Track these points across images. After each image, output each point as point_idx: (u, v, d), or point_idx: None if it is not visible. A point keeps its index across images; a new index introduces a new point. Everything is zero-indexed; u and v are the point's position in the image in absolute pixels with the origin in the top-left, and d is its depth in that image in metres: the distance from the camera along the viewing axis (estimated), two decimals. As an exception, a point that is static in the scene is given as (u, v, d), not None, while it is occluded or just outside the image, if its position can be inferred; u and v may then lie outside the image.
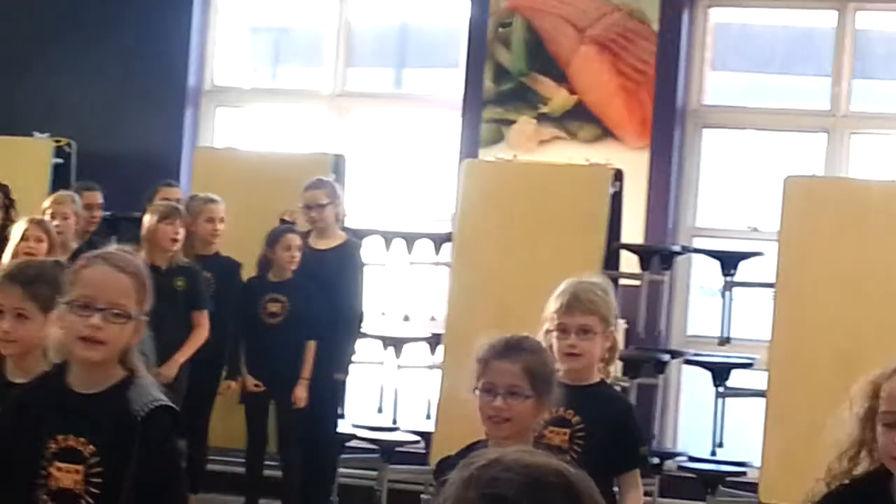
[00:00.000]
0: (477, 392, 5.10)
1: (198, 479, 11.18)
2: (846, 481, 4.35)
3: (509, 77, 13.20)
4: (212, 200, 11.52)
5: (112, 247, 5.55)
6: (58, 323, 4.90)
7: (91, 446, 4.67)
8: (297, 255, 11.30)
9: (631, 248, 12.30)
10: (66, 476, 4.65)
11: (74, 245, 10.94)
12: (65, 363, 4.83)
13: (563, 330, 5.84)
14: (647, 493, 8.03)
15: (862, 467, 4.32)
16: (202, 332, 10.88)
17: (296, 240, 11.37)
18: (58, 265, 6.10)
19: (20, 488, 4.73)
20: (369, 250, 12.25)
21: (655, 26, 12.89)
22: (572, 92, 13.05)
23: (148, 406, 4.72)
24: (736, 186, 13.24)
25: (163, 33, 13.85)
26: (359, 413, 12.47)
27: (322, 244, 11.58)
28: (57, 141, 13.03)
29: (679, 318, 13.01)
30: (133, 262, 4.95)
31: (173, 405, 4.97)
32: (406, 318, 12.73)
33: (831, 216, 11.52)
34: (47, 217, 10.70)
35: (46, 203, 11.13)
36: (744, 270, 12.01)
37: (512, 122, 13.17)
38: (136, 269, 4.92)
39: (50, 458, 4.67)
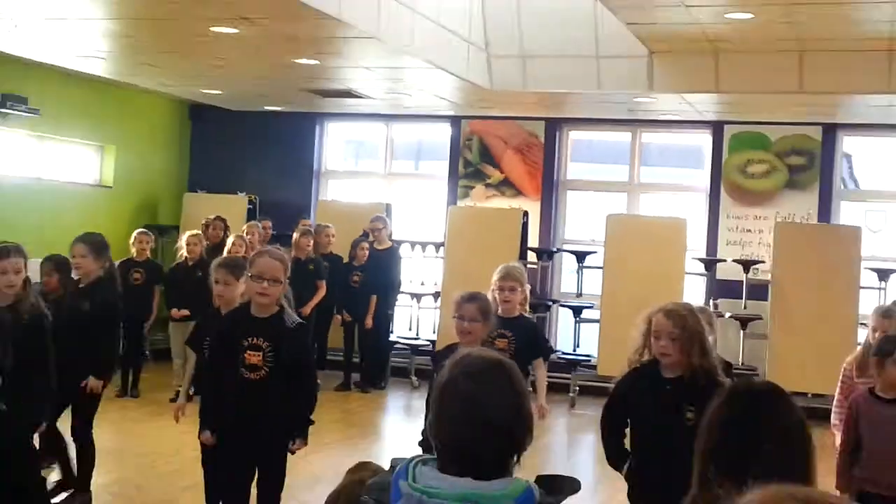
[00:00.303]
0: (454, 319, 5.15)
1: (322, 363, 11.14)
2: (637, 365, 4.42)
3: (471, 165, 13.13)
4: (328, 226, 11.64)
5: (269, 248, 5.88)
6: (245, 284, 5.19)
7: (266, 342, 4.89)
8: (367, 252, 11.51)
9: (532, 249, 12.35)
10: (253, 357, 4.88)
11: (258, 248, 10.84)
12: (247, 303, 5.10)
13: (500, 289, 5.86)
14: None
15: (645, 358, 4.39)
16: (321, 291, 10.87)
17: (366, 245, 11.58)
18: (244, 258, 6.53)
19: (232, 364, 4.88)
20: (404, 250, 12.37)
21: (542, 140, 12.85)
22: (502, 172, 12.98)
23: (293, 323, 5.03)
24: (584, 218, 13.01)
25: (302, 141, 13.83)
26: (400, 330, 12.55)
27: (380, 247, 11.65)
28: (249, 197, 13.06)
29: (556, 284, 12.93)
30: (281, 254, 5.21)
31: (305, 323, 5.46)
32: (422, 284, 12.83)
33: (629, 231, 11.50)
34: (244, 234, 10.63)
35: (244, 227, 11.10)
36: (589, 260, 12.02)
37: (472, 188, 13.11)
38: (283, 258, 5.12)
39: (245, 349, 4.86)
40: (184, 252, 10.27)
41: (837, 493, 4.56)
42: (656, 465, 4.24)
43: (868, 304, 9.31)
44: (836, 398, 5.54)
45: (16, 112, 10.93)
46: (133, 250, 10.43)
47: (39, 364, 5.07)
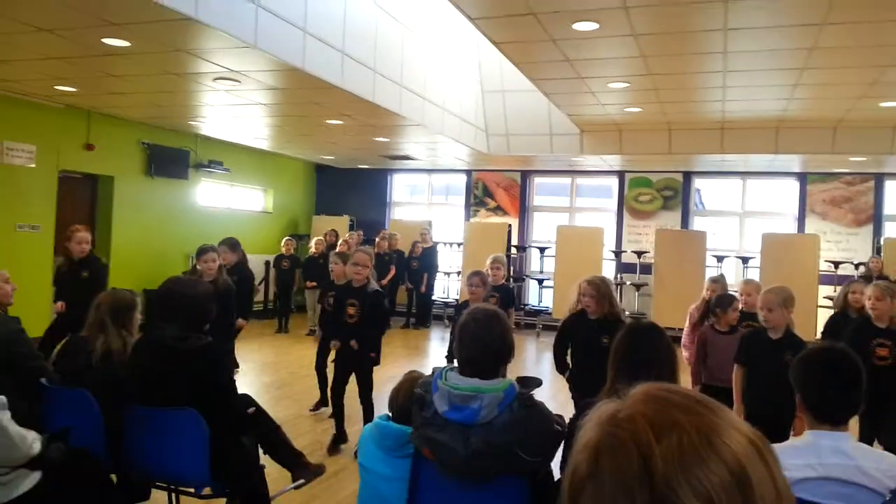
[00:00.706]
0: (466, 286, 4.96)
1: (393, 312, 10.99)
2: (573, 312, 4.32)
3: (478, 198, 12.90)
4: (395, 234, 11.35)
5: (362, 247, 5.72)
6: (347, 268, 4.94)
7: (357, 301, 4.63)
8: (420, 248, 11.21)
9: (514, 246, 12.10)
10: (351, 309, 4.65)
11: (355, 248, 10.71)
12: (349, 281, 4.77)
13: (491, 269, 5.57)
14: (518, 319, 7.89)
15: (578, 308, 4.27)
16: (392, 271, 10.70)
17: (419, 244, 11.26)
18: (347, 253, 6.06)
19: (342, 314, 4.68)
20: (440, 247, 11.95)
21: (519, 182, 12.67)
22: (496, 202, 12.78)
23: (373, 289, 4.78)
24: (544, 228, 12.68)
25: (380, 185, 13.67)
26: (438, 293, 12.12)
27: (426, 246, 11.39)
28: (350, 217, 12.92)
29: (528, 266, 12.57)
30: (368, 251, 4.87)
31: (382, 290, 4.93)
32: (451, 266, 12.46)
33: (570, 235, 11.31)
34: (347, 239, 10.38)
35: (347, 235, 10.83)
36: (547, 252, 11.78)
37: (478, 211, 12.87)
38: (369, 253, 4.85)
39: (348, 305, 4.61)
40: (313, 249, 10.27)
41: (690, 387, 4.52)
42: (585, 370, 4.19)
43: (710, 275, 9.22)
44: (686, 329, 5.47)
45: (216, 170, 10.99)
46: (283, 248, 10.48)
47: (228, 313, 5.08)
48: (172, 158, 10.27)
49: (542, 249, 12.09)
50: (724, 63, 6.24)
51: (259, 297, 11.62)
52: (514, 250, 12.17)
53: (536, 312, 11.60)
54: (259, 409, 3.14)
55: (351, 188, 13.69)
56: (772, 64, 6.22)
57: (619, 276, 11.48)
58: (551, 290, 11.48)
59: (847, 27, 5.20)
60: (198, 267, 5.09)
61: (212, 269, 5.04)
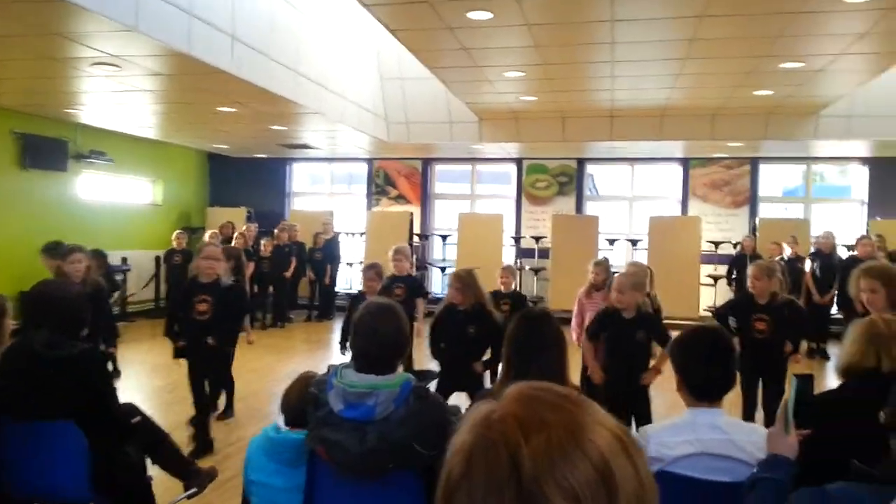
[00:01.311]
0: (364, 280, 4.97)
1: (294, 305, 10.77)
2: (448, 304, 4.51)
3: (379, 186, 12.80)
4: (295, 225, 11.03)
5: (212, 241, 5.37)
6: (199, 262, 4.61)
7: (210, 297, 4.46)
8: (322, 239, 10.96)
9: (416, 234, 12.05)
10: (203, 306, 4.48)
11: (251, 242, 10.32)
12: (196, 275, 4.61)
13: (394, 259, 5.65)
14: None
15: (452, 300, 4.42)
16: (293, 263, 10.45)
17: (321, 235, 11.01)
18: (234, 248, 5.74)
19: (186, 310, 4.49)
20: (342, 237, 11.73)
21: (420, 170, 12.64)
22: (397, 190, 12.72)
23: (228, 284, 4.58)
24: (445, 216, 12.72)
25: (278, 174, 13.31)
26: (341, 284, 11.76)
27: (328, 237, 11.18)
28: (247, 209, 12.46)
29: (430, 254, 12.57)
30: (218, 246, 4.78)
31: (240, 284, 4.88)
32: (353, 257, 12.34)
33: (471, 222, 11.44)
34: (243, 232, 10.10)
35: (243, 227, 10.39)
36: (449, 240, 11.86)
37: (380, 199, 12.77)
38: (219, 248, 4.75)
39: (196, 301, 4.45)
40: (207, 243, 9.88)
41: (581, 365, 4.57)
42: (454, 359, 4.32)
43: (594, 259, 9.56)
44: (575, 310, 5.57)
45: (98, 161, 10.32)
46: (174, 243, 9.96)
47: (103, 313, 4.76)
48: (49, 149, 9.53)
49: (444, 237, 12.14)
50: (612, 53, 6.45)
51: (150, 293, 11.07)
52: (416, 239, 12.17)
53: (439, 300, 11.64)
54: (144, 419, 2.97)
55: (247, 178, 13.21)
56: (656, 54, 6.50)
57: (518, 261, 11.73)
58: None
59: (725, 19, 5.50)
60: (65, 269, 4.64)
61: (79, 270, 4.63)
